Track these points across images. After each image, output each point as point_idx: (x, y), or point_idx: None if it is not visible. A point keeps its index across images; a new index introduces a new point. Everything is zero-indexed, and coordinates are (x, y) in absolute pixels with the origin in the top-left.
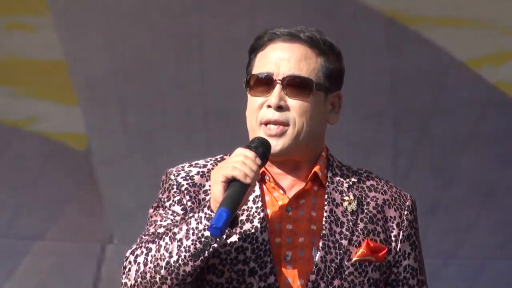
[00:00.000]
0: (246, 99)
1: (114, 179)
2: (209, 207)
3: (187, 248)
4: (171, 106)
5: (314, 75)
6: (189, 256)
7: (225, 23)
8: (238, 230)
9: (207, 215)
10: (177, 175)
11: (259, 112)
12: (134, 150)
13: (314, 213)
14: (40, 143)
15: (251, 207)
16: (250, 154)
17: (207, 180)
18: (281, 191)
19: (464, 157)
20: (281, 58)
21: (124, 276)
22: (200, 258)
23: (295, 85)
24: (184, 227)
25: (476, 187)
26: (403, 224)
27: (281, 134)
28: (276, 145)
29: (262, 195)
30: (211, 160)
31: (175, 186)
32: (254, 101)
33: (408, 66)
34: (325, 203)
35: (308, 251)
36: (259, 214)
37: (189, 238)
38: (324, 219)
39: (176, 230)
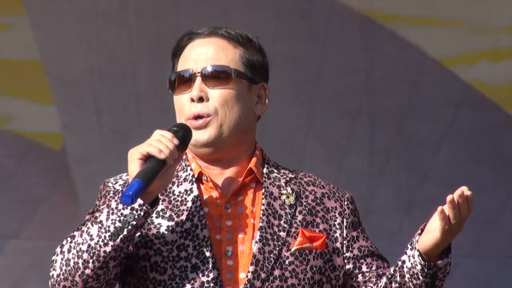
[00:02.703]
0: None
1: (89, 178)
2: None
3: (107, 228)
4: (146, 106)
5: (233, 64)
6: (109, 236)
7: (200, 23)
8: (179, 229)
9: None
10: (115, 183)
11: (185, 109)
12: (109, 149)
13: (253, 208)
14: (15, 142)
15: (191, 207)
16: (167, 134)
17: None
18: (219, 190)
19: (438, 155)
20: (199, 53)
21: (51, 269)
22: (120, 237)
23: (214, 74)
24: (105, 210)
25: (451, 185)
26: (345, 212)
27: (206, 125)
28: (203, 136)
29: (200, 194)
30: None
31: (111, 192)
32: (179, 100)
33: (383, 64)
34: (263, 197)
35: (248, 245)
36: (198, 212)
37: (109, 218)
38: (261, 212)
39: (98, 214)
